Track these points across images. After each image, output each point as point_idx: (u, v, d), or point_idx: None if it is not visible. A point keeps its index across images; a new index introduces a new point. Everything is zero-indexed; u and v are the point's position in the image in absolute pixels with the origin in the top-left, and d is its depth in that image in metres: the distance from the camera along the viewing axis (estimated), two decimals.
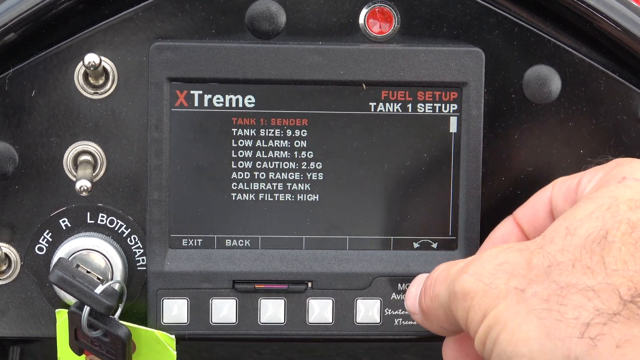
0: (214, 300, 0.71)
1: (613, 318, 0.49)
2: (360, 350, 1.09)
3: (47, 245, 0.72)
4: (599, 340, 0.49)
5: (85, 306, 0.68)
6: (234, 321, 0.71)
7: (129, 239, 0.72)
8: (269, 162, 0.71)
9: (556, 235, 0.54)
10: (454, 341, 0.67)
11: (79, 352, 0.71)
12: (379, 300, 0.72)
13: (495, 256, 0.56)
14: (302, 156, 0.71)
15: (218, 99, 0.70)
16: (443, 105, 0.71)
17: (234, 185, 0.71)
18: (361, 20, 0.71)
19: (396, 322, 0.72)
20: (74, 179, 0.71)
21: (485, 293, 0.54)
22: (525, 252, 0.55)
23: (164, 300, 0.71)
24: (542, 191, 0.65)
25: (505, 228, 0.67)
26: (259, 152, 0.71)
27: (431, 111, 0.71)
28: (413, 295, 0.65)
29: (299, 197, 0.71)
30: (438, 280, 0.59)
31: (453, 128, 0.71)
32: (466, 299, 0.55)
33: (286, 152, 0.71)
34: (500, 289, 0.53)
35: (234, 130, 0.70)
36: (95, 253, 0.71)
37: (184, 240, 0.71)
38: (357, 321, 0.72)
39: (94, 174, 0.71)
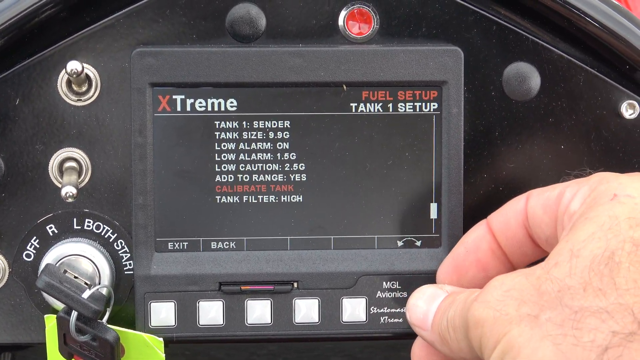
0: (200, 302, 0.72)
1: (629, 338, 0.49)
2: (357, 348, 1.10)
3: (34, 251, 0.72)
4: None
5: (73, 311, 0.68)
6: (221, 323, 0.72)
7: (115, 243, 0.73)
8: (252, 165, 0.72)
9: (560, 258, 0.54)
10: (424, 343, 0.66)
11: (68, 357, 0.71)
12: (364, 299, 0.72)
13: (501, 283, 0.55)
14: (285, 158, 0.72)
15: (200, 103, 0.71)
16: (423, 104, 0.72)
17: (218, 188, 0.71)
18: (340, 22, 0.72)
19: (382, 319, 0.72)
20: (59, 186, 0.71)
21: (495, 320, 0.54)
22: (531, 277, 0.54)
23: (152, 304, 0.71)
24: (516, 201, 0.65)
25: (477, 232, 0.67)
26: (242, 154, 0.71)
27: (412, 110, 0.72)
28: (422, 311, 0.64)
29: (282, 198, 0.72)
30: (457, 312, 0.59)
31: (434, 126, 0.72)
32: (477, 327, 0.55)
33: (269, 154, 0.72)
34: (512, 315, 0.53)
35: (217, 133, 0.71)
36: (82, 258, 0.71)
37: (169, 243, 0.72)
38: (344, 320, 0.72)
39: (79, 180, 0.71)
